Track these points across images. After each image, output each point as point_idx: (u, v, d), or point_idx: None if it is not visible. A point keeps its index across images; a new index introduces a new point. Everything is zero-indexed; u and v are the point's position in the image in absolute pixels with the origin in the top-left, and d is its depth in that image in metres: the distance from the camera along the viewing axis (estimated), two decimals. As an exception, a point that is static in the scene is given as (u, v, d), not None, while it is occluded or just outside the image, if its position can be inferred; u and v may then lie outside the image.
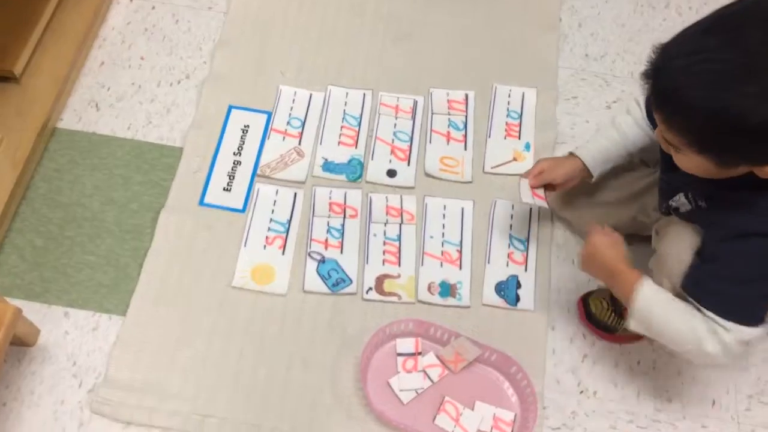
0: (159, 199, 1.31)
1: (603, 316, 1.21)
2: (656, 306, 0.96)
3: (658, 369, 1.21)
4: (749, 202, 0.87)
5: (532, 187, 1.17)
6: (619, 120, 1.15)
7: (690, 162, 0.87)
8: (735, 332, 0.89)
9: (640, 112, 1.11)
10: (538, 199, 1.17)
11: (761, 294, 0.90)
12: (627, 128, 1.13)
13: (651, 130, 1.07)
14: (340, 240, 1.29)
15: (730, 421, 1.18)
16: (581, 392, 1.19)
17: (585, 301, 1.24)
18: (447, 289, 1.26)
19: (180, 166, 1.34)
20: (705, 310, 0.91)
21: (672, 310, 0.95)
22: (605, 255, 1.02)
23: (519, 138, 1.41)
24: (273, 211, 1.31)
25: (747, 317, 0.89)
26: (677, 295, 1.00)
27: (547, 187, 1.18)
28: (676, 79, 0.78)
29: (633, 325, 0.99)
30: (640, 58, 1.52)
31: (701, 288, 0.92)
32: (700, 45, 0.76)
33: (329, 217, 1.31)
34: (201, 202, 1.31)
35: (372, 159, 1.37)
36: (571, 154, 1.17)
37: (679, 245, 0.99)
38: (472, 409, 1.15)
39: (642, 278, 0.98)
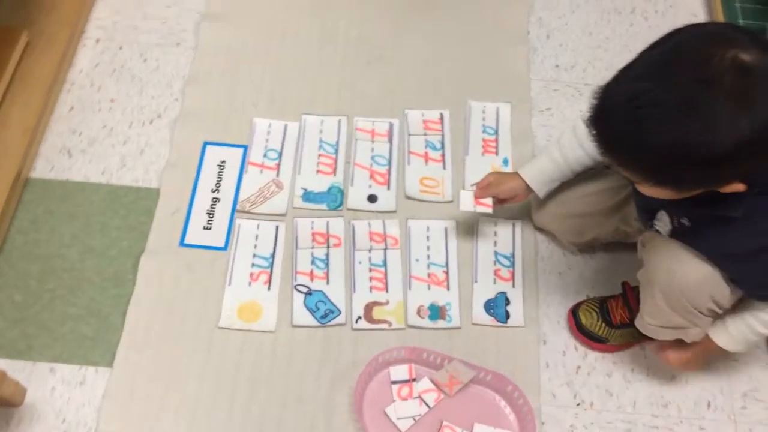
0: (138, 243, 1.29)
1: (593, 326, 1.21)
2: (741, 337, 1.05)
3: (651, 375, 1.22)
4: (733, 217, 0.88)
5: (477, 197, 1.23)
6: (563, 140, 1.16)
7: (650, 191, 0.89)
8: None
9: (584, 130, 1.09)
10: (482, 207, 1.22)
11: None
12: (569, 150, 1.14)
13: (594, 150, 1.06)
14: (326, 270, 1.28)
15: (727, 421, 1.19)
16: (578, 404, 1.19)
17: (574, 312, 1.24)
18: (436, 312, 1.25)
19: (158, 208, 1.32)
20: None
21: (751, 326, 1.03)
22: (698, 362, 1.13)
23: (497, 153, 1.42)
24: (255, 246, 1.29)
25: None
26: (671, 307, 1.02)
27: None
28: (619, 126, 0.80)
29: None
30: (610, 64, 1.54)
31: None
32: (637, 90, 0.78)
33: (313, 247, 1.30)
34: (181, 243, 1.29)
35: (351, 185, 1.37)
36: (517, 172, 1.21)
37: (669, 257, 0.99)
38: (471, 432, 1.14)
39: (710, 335, 1.07)
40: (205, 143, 1.40)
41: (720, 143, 0.74)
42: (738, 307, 1.04)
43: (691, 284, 0.98)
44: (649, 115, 0.76)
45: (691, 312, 1.01)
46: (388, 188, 1.37)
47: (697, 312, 1.01)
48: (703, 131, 0.74)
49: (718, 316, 1.04)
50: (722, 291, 0.98)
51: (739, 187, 0.82)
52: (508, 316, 1.25)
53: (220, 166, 1.38)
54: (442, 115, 1.45)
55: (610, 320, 1.21)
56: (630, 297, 1.19)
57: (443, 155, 1.41)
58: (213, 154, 1.39)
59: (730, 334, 1.06)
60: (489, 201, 1.22)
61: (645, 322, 1.09)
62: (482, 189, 1.22)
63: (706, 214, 0.89)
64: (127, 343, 1.19)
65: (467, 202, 1.23)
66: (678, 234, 0.97)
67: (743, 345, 1.07)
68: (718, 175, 0.81)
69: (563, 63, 1.55)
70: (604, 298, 1.24)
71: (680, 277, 0.98)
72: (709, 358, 1.15)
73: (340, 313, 1.24)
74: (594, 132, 0.83)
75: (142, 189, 1.35)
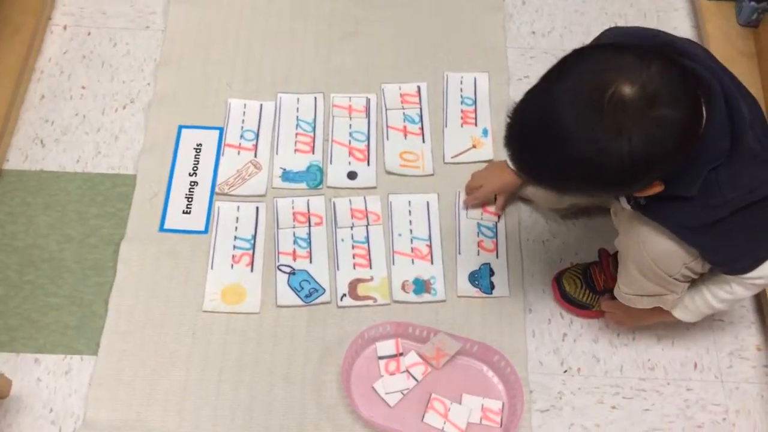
0: (118, 230, 1.28)
1: (577, 293, 1.22)
2: (696, 309, 1.08)
3: (637, 339, 1.22)
4: (683, 196, 0.89)
5: (471, 208, 1.29)
6: None
7: None
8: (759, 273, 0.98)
9: None
10: (489, 215, 1.29)
11: (761, 248, 0.96)
12: None
13: None
14: (308, 249, 1.27)
15: (713, 380, 1.19)
16: (565, 371, 1.19)
17: (558, 280, 1.24)
18: (421, 286, 1.25)
19: (135, 194, 1.31)
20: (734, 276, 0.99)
21: (707, 301, 1.05)
22: (639, 320, 1.17)
23: (476, 124, 1.40)
24: (236, 228, 1.28)
25: (757, 263, 0.96)
26: (645, 276, 1.01)
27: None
28: (521, 154, 0.85)
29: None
30: (588, 29, 1.52)
31: (730, 269, 1.00)
32: (535, 123, 0.82)
33: (294, 227, 1.29)
34: (161, 229, 1.28)
35: (331, 163, 1.35)
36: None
37: (637, 229, 0.99)
38: (460, 403, 1.14)
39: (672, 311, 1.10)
40: (180, 127, 1.38)
41: (608, 169, 0.79)
42: (701, 277, 1.04)
43: (661, 253, 0.97)
44: (545, 145, 0.81)
45: (666, 279, 1.00)
46: (368, 164, 1.36)
47: (671, 279, 1.00)
48: (594, 158, 0.79)
49: (693, 281, 1.03)
50: (693, 257, 0.97)
51: (656, 189, 0.85)
52: (492, 286, 1.25)
53: (197, 149, 1.36)
54: (419, 87, 1.44)
55: (593, 286, 1.21)
56: (606, 264, 1.19)
57: (422, 128, 1.40)
58: (189, 138, 1.37)
59: (685, 306, 1.07)
60: (492, 208, 1.29)
61: (621, 292, 1.09)
62: (475, 197, 1.28)
63: (661, 194, 0.89)
64: (111, 331, 1.19)
65: (477, 210, 1.29)
66: (637, 209, 0.97)
67: (696, 316, 1.09)
68: (625, 189, 0.88)
69: (540, 29, 1.53)
70: (587, 264, 1.24)
71: (649, 247, 0.98)
72: (653, 322, 1.16)
73: (324, 291, 1.23)
74: (507, 152, 0.87)
75: (119, 176, 1.34)
